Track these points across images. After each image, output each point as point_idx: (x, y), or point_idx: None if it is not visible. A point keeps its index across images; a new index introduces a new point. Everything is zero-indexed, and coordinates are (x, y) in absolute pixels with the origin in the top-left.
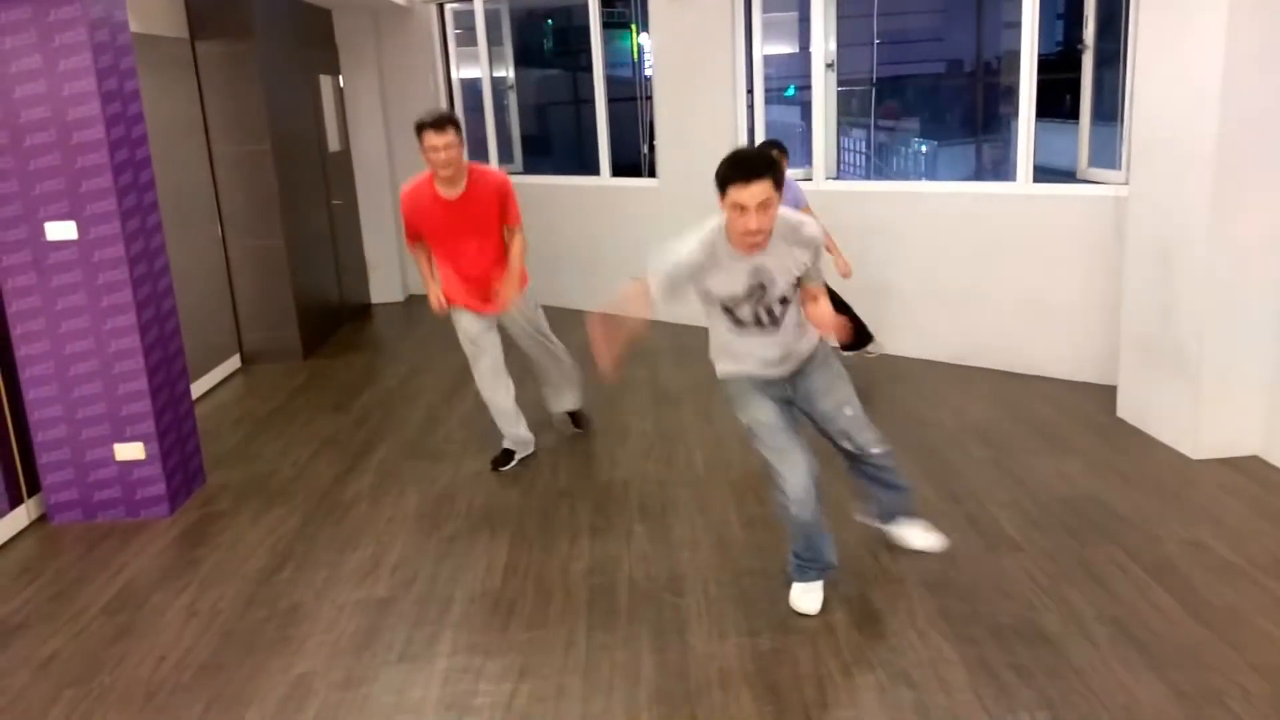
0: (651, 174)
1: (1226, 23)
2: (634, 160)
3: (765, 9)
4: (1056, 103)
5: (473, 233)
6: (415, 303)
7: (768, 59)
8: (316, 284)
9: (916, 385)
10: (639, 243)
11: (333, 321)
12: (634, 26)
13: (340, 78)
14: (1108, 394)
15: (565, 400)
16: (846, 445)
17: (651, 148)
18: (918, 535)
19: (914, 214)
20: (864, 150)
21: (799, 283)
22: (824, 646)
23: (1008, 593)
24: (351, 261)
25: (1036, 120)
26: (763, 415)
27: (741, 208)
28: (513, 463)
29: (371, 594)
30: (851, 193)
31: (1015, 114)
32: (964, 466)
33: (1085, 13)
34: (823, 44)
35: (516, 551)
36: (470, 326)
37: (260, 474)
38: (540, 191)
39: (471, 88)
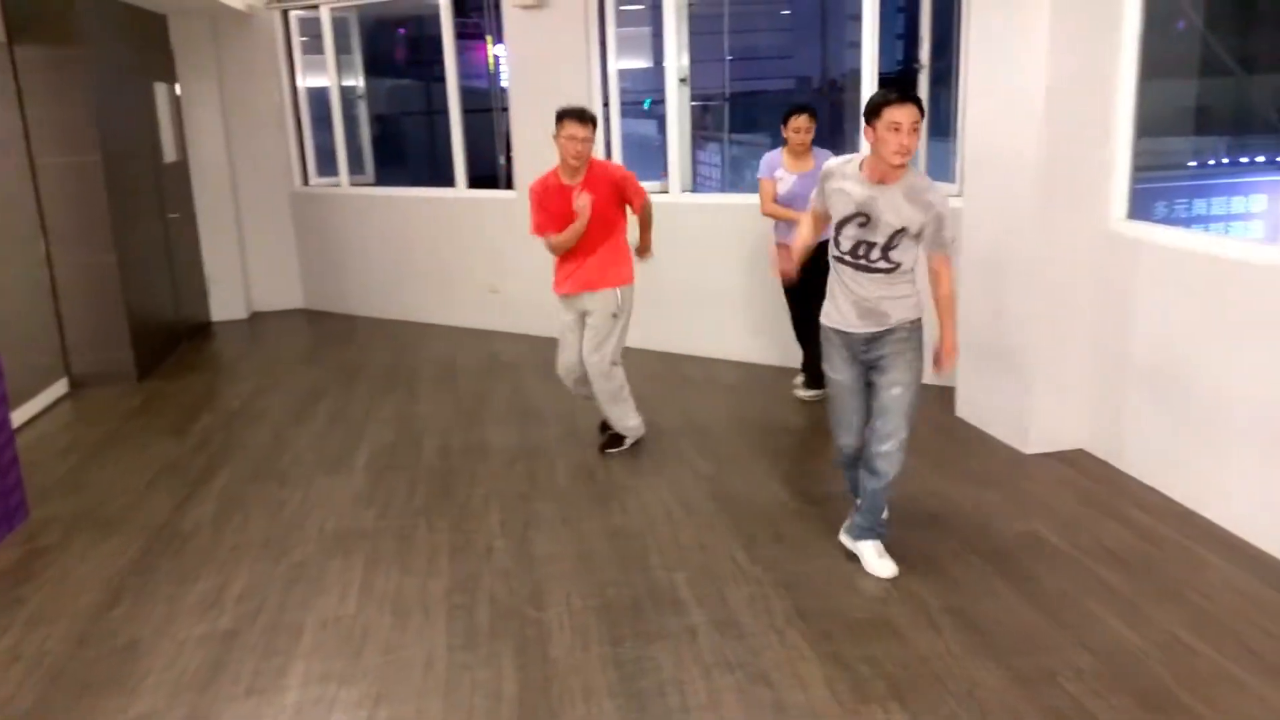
0: (509, 186)
1: (1049, 44)
2: (490, 172)
3: (619, 24)
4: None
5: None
6: (259, 319)
7: (622, 73)
8: (152, 301)
9: (765, 389)
10: (495, 255)
11: (170, 341)
12: (489, 38)
13: (177, 85)
14: (947, 395)
15: (602, 411)
16: (874, 423)
17: (508, 159)
18: (874, 558)
19: (767, 225)
20: (718, 164)
21: (915, 242)
22: (685, 651)
23: (858, 588)
24: (190, 277)
25: None
26: (837, 374)
27: (897, 126)
28: (624, 446)
29: (215, 626)
30: (705, 205)
31: (858, 130)
32: (815, 466)
33: (921, 34)
34: (676, 59)
35: (371, 574)
36: (560, 318)
37: (91, 505)
38: (395, 203)
39: (319, 97)
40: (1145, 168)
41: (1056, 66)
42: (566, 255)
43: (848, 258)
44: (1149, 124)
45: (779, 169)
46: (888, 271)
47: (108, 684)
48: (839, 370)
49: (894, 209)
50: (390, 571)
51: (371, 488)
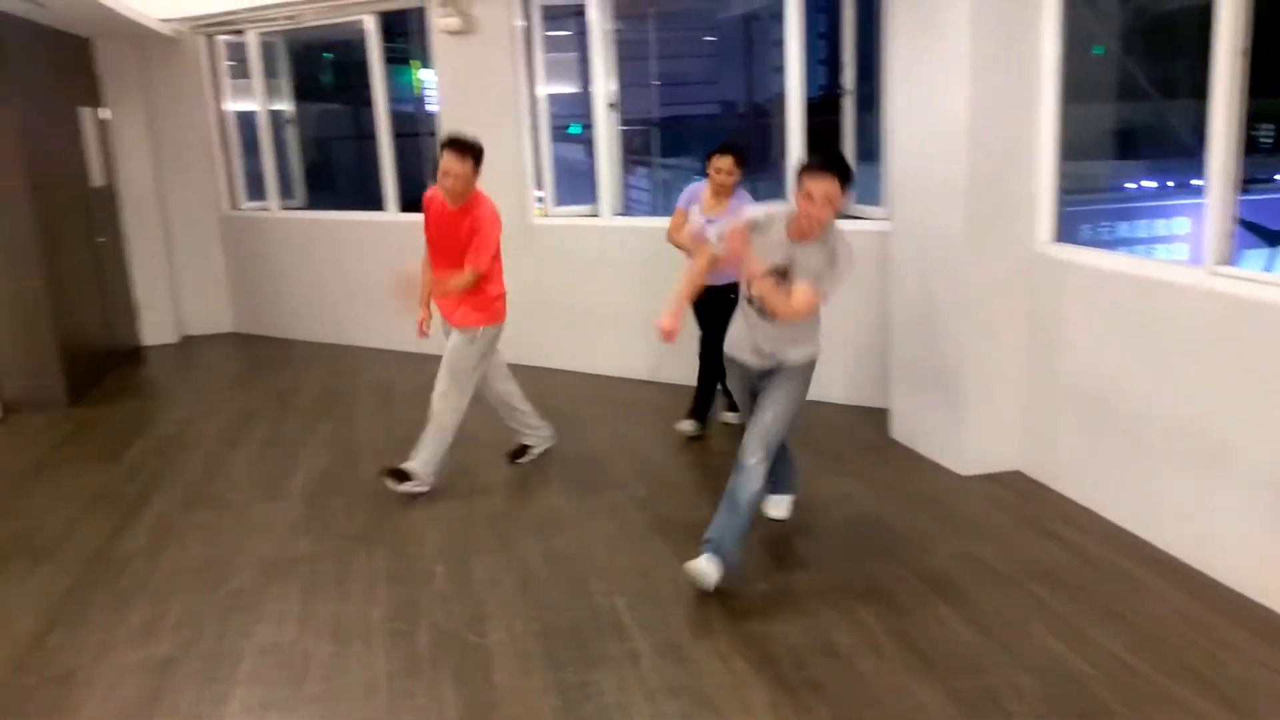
0: None
1: (970, 69)
2: (420, 196)
3: (547, 49)
4: (823, 143)
5: (449, 246)
6: (190, 343)
7: (551, 97)
8: (82, 326)
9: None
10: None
11: (101, 366)
12: (415, 63)
13: (102, 109)
14: (881, 416)
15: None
16: (745, 438)
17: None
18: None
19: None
20: (647, 187)
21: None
22: (629, 676)
23: (801, 611)
24: (119, 302)
25: None
26: (737, 392)
27: (808, 195)
28: (530, 455)
29: (153, 654)
30: (637, 228)
31: (784, 154)
32: None
33: (844, 59)
34: (604, 84)
35: (310, 601)
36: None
37: (22, 532)
38: (326, 227)
39: (247, 121)
40: (1071, 191)
41: (978, 91)
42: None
43: (758, 302)
44: (1072, 148)
45: (695, 204)
46: (789, 328)
47: (45, 713)
48: (736, 389)
49: (810, 264)
50: (329, 598)
51: (308, 513)
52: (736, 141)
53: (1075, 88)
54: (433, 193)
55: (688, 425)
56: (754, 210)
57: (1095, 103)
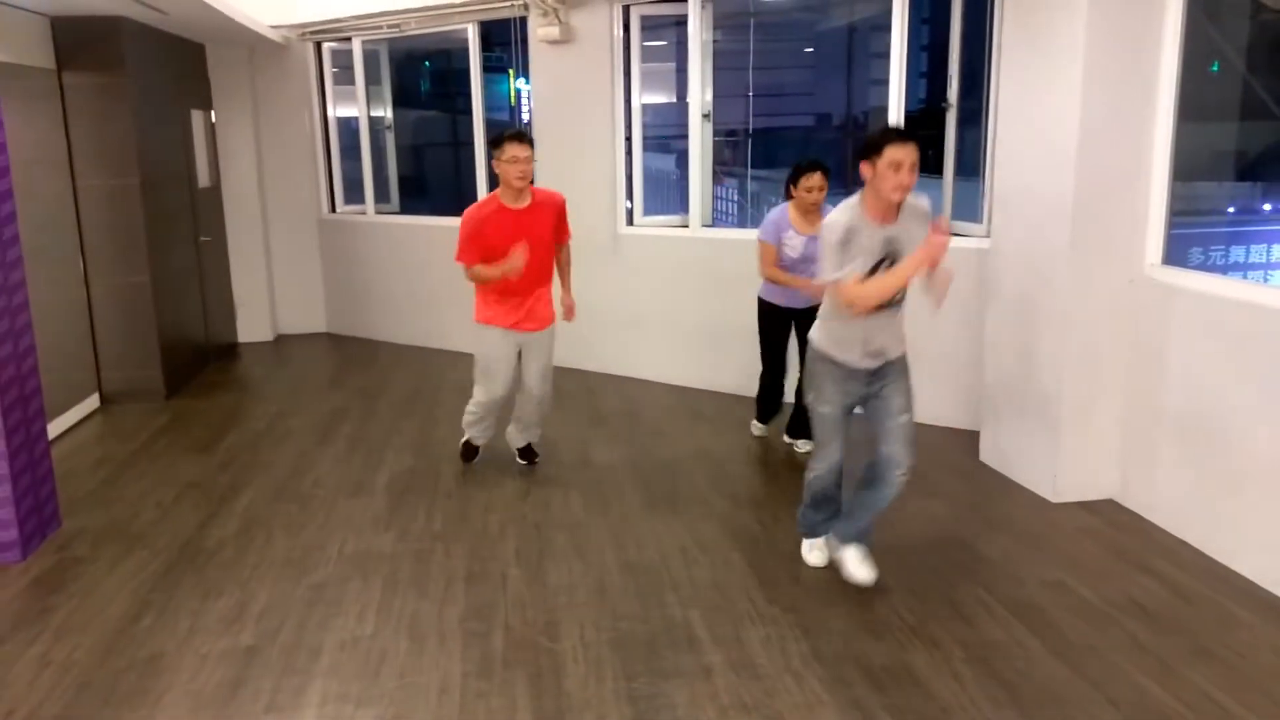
0: None
1: (1081, 88)
2: None
3: (644, 59)
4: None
5: (531, 244)
6: (284, 342)
7: (646, 107)
8: (182, 322)
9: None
10: None
11: (198, 361)
12: (511, 71)
13: (212, 112)
14: (971, 439)
15: (529, 436)
16: (886, 449)
17: None
18: (853, 563)
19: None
20: (736, 199)
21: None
22: (700, 690)
23: (878, 634)
24: (219, 299)
25: None
26: (828, 409)
27: (898, 165)
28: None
29: (236, 643)
30: (725, 240)
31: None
32: None
33: (950, 72)
34: (699, 95)
35: (389, 597)
36: (494, 349)
37: (120, 518)
38: (419, 232)
39: (348, 126)
40: (1182, 212)
41: (1090, 108)
42: (509, 289)
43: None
44: (1186, 168)
45: (788, 230)
46: (898, 305)
47: (131, 696)
48: (829, 402)
49: (911, 239)
50: (407, 595)
51: (390, 511)
52: (820, 158)
53: (1192, 105)
54: (481, 204)
55: (758, 428)
56: (833, 227)
57: (1212, 121)
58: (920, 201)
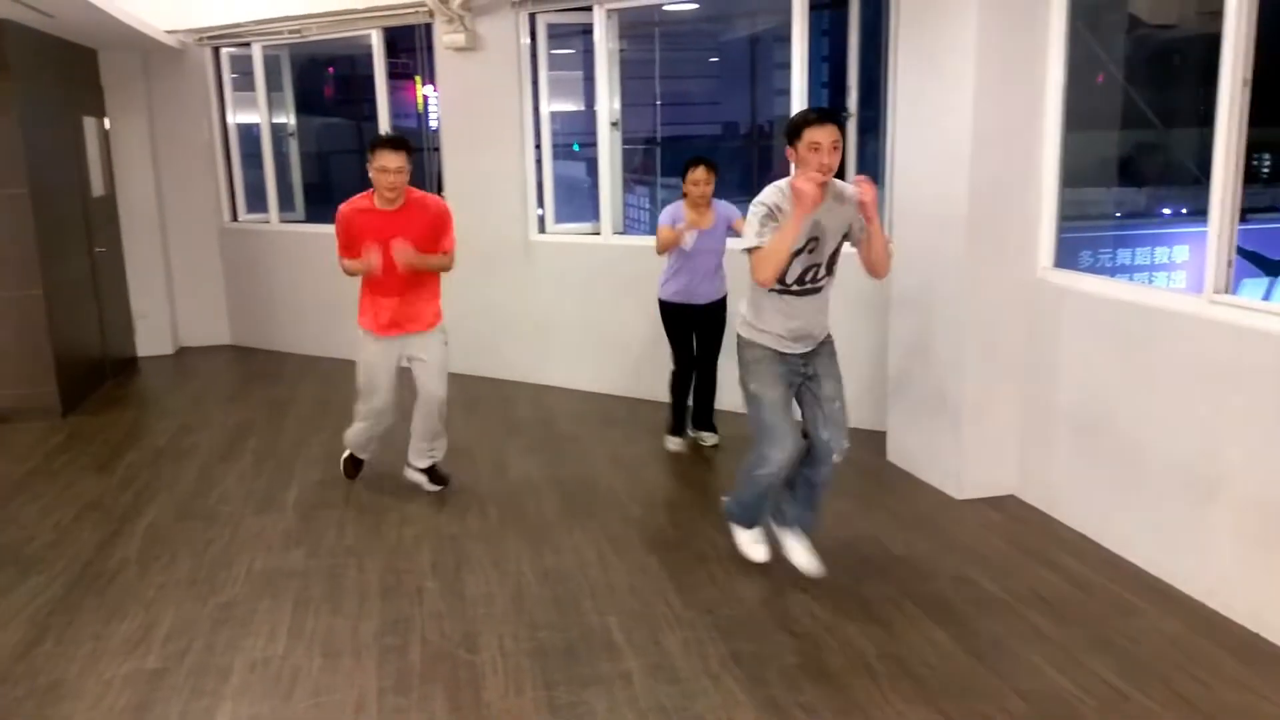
0: None
1: (973, 98)
2: None
3: (551, 67)
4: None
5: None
6: (186, 355)
7: (554, 115)
8: (78, 336)
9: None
10: None
11: (96, 376)
12: (418, 78)
13: (106, 119)
14: (878, 439)
15: (432, 454)
16: (821, 434)
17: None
18: (802, 554)
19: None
20: (648, 206)
21: (839, 247)
22: (620, 696)
23: (794, 632)
24: (116, 312)
25: None
26: (770, 391)
27: (816, 146)
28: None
29: (142, 666)
30: (637, 246)
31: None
32: None
33: (848, 82)
34: (607, 103)
35: (300, 615)
36: (373, 358)
37: (14, 541)
38: (325, 240)
39: (249, 133)
40: (1070, 217)
41: (981, 117)
42: (381, 293)
43: (795, 287)
44: (1073, 174)
45: (682, 221)
46: (823, 288)
47: None
48: (772, 386)
49: (834, 219)
50: (320, 612)
51: (301, 526)
52: (704, 154)
53: (1077, 115)
54: (354, 201)
55: (674, 443)
56: (760, 202)
57: (1097, 130)
58: (845, 185)
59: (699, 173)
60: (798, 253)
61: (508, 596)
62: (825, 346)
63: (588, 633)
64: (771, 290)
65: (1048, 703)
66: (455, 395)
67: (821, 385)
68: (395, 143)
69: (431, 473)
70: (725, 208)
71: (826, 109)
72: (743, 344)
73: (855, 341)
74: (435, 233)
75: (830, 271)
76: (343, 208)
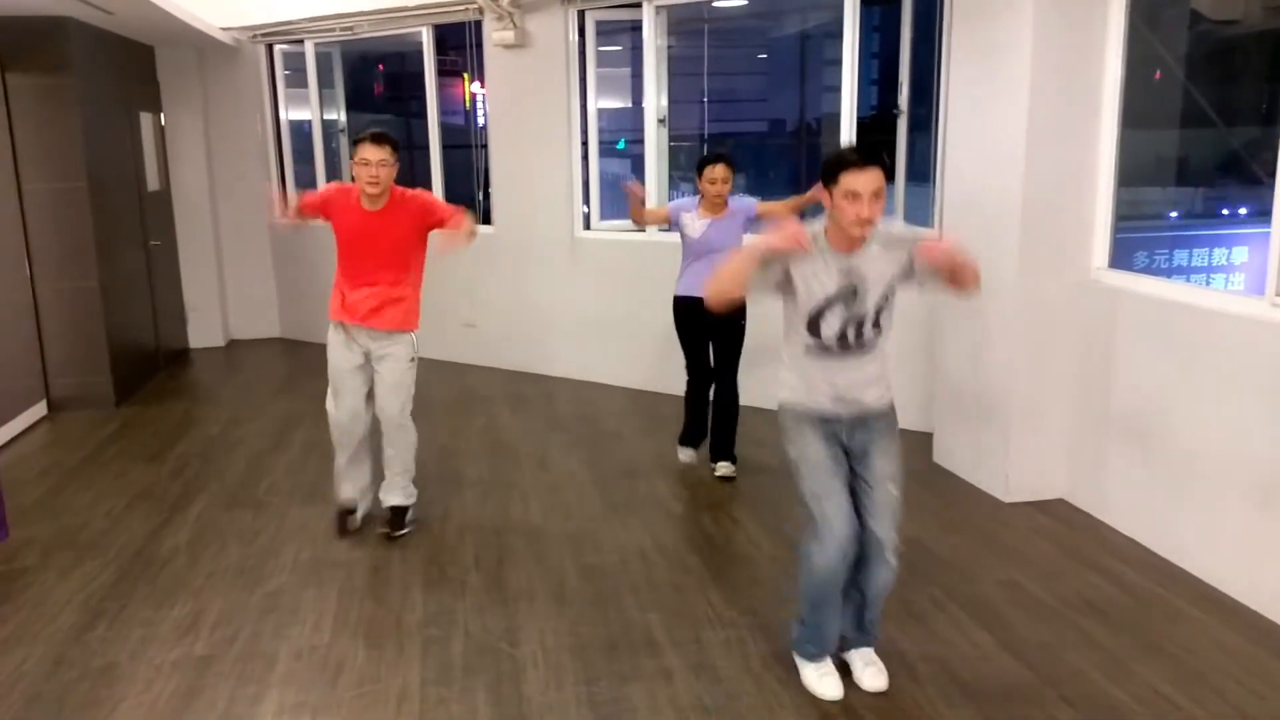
0: (486, 221)
1: (1028, 95)
2: (468, 207)
3: (599, 64)
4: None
5: (384, 251)
6: (236, 347)
7: (601, 112)
8: (132, 327)
9: (749, 429)
10: (472, 290)
11: (148, 367)
12: (466, 75)
13: (162, 115)
14: (924, 440)
15: (394, 490)
16: (871, 527)
17: (486, 195)
18: (870, 673)
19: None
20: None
21: (889, 298)
22: (660, 694)
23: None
24: (169, 304)
25: None
26: (813, 453)
27: (855, 195)
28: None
29: (190, 652)
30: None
31: None
32: (789, 510)
33: (900, 79)
34: (655, 100)
35: (345, 605)
36: (335, 353)
37: (69, 527)
38: None
39: (300, 130)
40: (1126, 217)
41: (1036, 115)
42: (354, 276)
43: (835, 346)
44: (1130, 173)
45: (692, 211)
46: (869, 347)
47: (83, 707)
48: (815, 450)
49: (878, 272)
50: (364, 603)
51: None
52: (724, 151)
53: (1135, 113)
54: (344, 190)
55: (685, 454)
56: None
57: (1155, 129)
58: (895, 228)
59: (718, 170)
60: (831, 304)
61: (549, 591)
62: (882, 421)
63: (629, 629)
64: (809, 350)
65: (1097, 710)
66: (499, 391)
67: (873, 464)
68: (377, 137)
69: (394, 513)
70: (742, 202)
71: (870, 148)
72: (780, 410)
73: (901, 340)
74: (422, 223)
75: (878, 326)
76: (334, 183)
